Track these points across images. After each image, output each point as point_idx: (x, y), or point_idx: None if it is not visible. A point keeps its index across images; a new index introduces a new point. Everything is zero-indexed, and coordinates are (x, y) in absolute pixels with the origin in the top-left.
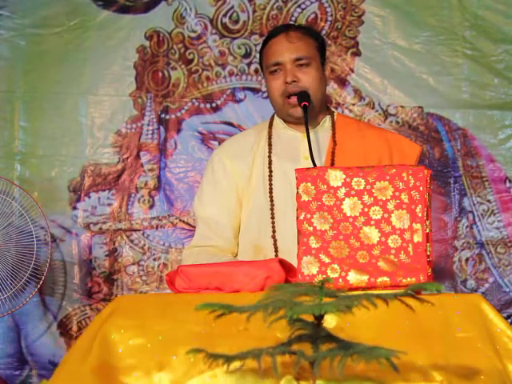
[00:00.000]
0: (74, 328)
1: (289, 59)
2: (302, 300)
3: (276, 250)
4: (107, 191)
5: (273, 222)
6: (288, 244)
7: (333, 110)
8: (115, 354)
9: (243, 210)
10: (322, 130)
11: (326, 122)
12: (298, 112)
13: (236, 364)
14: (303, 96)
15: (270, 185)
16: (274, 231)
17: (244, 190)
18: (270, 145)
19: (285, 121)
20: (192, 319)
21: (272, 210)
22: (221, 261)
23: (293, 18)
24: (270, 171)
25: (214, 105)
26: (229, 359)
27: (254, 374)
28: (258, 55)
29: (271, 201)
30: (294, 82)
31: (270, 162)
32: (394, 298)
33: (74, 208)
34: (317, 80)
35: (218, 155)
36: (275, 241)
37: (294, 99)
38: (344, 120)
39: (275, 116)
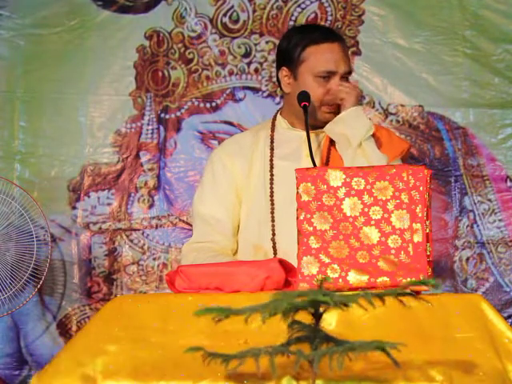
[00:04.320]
0: (74, 328)
1: (343, 71)
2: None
3: (275, 253)
4: (107, 191)
5: (273, 225)
6: (287, 247)
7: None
8: (113, 355)
9: (242, 209)
10: (323, 130)
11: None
12: (330, 117)
13: (234, 363)
14: (303, 96)
15: (271, 188)
16: (273, 234)
17: (243, 189)
18: (272, 149)
19: (291, 120)
20: (192, 322)
21: (272, 213)
22: (221, 261)
23: (293, 18)
24: (272, 175)
25: (213, 104)
26: (227, 358)
27: (254, 379)
28: (257, 55)
29: (272, 204)
30: None
31: (271, 166)
32: (393, 295)
33: (74, 208)
34: None
35: (218, 154)
36: (274, 243)
37: (333, 107)
38: None
39: (278, 116)
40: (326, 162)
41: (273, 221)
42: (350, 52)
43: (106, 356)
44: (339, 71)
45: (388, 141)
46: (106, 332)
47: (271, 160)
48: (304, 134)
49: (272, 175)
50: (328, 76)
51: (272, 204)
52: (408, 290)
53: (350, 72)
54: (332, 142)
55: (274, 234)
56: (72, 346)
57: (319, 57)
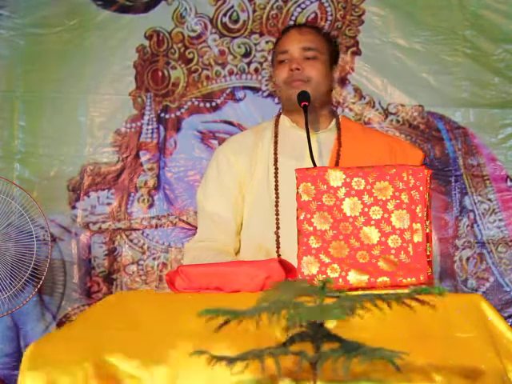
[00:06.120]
0: None
1: (296, 47)
2: (303, 300)
3: (278, 247)
4: (106, 190)
5: (277, 219)
6: (290, 241)
7: (338, 113)
8: (111, 349)
9: (245, 206)
10: (328, 132)
11: (332, 124)
12: (297, 86)
13: (238, 365)
14: (303, 96)
15: (276, 182)
16: (277, 228)
17: (246, 186)
18: (275, 143)
19: (291, 117)
20: (190, 317)
21: (277, 206)
22: (221, 261)
23: (293, 18)
24: (276, 169)
25: (213, 104)
26: (231, 361)
27: (252, 369)
28: (257, 54)
29: (277, 198)
30: (298, 70)
31: (275, 160)
32: (397, 300)
33: (74, 207)
34: (321, 74)
35: (223, 151)
36: (278, 237)
37: (296, 83)
38: (348, 122)
39: (282, 115)
40: (336, 163)
41: (277, 214)
42: (349, 52)
43: (103, 339)
44: (293, 48)
45: (404, 159)
46: (104, 318)
47: (275, 154)
48: (305, 133)
49: (277, 169)
50: (287, 58)
51: (277, 198)
52: (411, 296)
53: (309, 48)
54: (341, 144)
55: (278, 228)
56: (69, 329)
57: (277, 45)
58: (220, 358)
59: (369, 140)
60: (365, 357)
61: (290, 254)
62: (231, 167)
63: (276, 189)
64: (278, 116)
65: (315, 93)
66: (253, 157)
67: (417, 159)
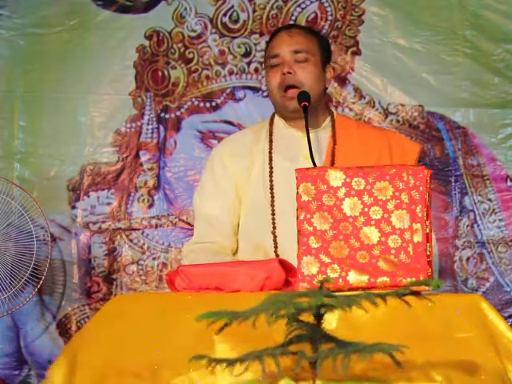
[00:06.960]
0: (74, 328)
1: (287, 51)
2: (302, 301)
3: (276, 246)
4: (106, 190)
5: (273, 219)
6: (288, 241)
7: (332, 110)
8: (114, 353)
9: (242, 207)
10: (322, 130)
11: (326, 122)
12: (294, 104)
13: (238, 367)
14: (303, 96)
15: (271, 181)
16: (274, 227)
17: (243, 187)
18: (270, 142)
19: (285, 119)
20: (190, 318)
21: (272, 206)
22: (221, 260)
23: (293, 18)
24: (271, 168)
25: (213, 104)
26: (231, 363)
27: (253, 370)
28: (257, 54)
29: (272, 197)
30: (290, 73)
31: (270, 159)
32: (395, 295)
33: (74, 207)
34: (314, 76)
35: (218, 153)
36: (275, 237)
37: (290, 92)
38: (343, 120)
39: (276, 115)
40: (332, 163)
41: (273, 214)
42: (349, 52)
43: (106, 357)
44: (283, 51)
45: (400, 152)
46: (106, 332)
47: (270, 153)
48: (300, 134)
49: (271, 168)
50: (278, 62)
51: (272, 197)
52: (409, 290)
53: (299, 51)
54: (336, 142)
55: (274, 228)
56: (72, 348)
57: (268, 48)
58: (220, 361)
59: (365, 137)
60: (364, 353)
61: (288, 254)
62: (226, 169)
63: (271, 188)
64: (273, 115)
65: (310, 95)
66: (250, 157)
67: (414, 152)
